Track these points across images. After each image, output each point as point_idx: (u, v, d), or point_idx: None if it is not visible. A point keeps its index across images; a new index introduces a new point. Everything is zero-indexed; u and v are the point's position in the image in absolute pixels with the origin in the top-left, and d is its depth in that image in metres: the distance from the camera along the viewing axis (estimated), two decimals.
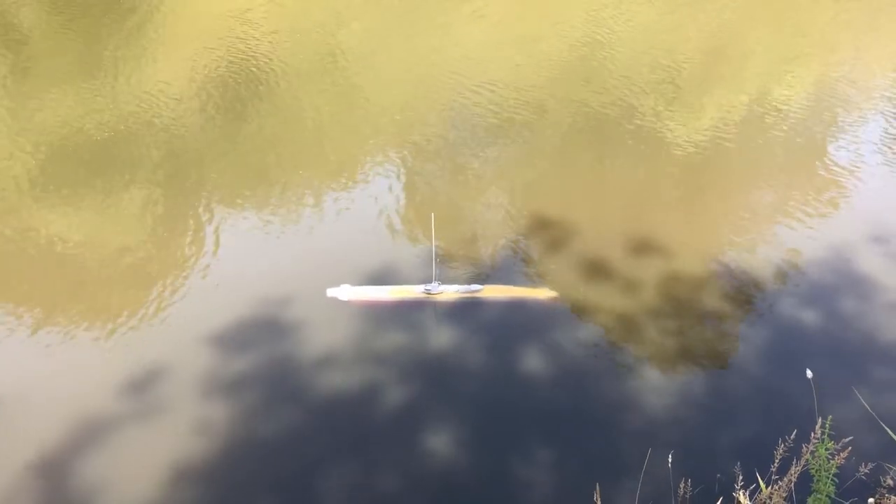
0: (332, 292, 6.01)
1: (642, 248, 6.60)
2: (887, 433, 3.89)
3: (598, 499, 3.74)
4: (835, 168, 8.01)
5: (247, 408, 5.13)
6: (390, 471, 4.78)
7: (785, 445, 3.76)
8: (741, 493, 3.68)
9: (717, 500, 3.71)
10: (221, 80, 9.27)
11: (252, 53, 9.88)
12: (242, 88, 9.10)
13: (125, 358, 5.47)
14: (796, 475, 3.71)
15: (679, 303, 6.06)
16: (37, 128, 8.19)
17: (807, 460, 3.73)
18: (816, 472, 3.80)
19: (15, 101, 8.77)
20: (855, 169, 7.99)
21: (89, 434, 4.91)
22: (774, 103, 9.24)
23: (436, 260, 6.00)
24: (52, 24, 10.80)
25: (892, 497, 3.97)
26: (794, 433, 3.86)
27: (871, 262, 6.55)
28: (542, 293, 6.08)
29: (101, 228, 6.84)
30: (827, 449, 3.81)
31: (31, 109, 8.56)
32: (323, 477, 4.72)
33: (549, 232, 6.77)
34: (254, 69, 9.50)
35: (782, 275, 6.41)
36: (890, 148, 8.49)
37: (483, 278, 6.22)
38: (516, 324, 5.86)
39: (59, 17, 10.92)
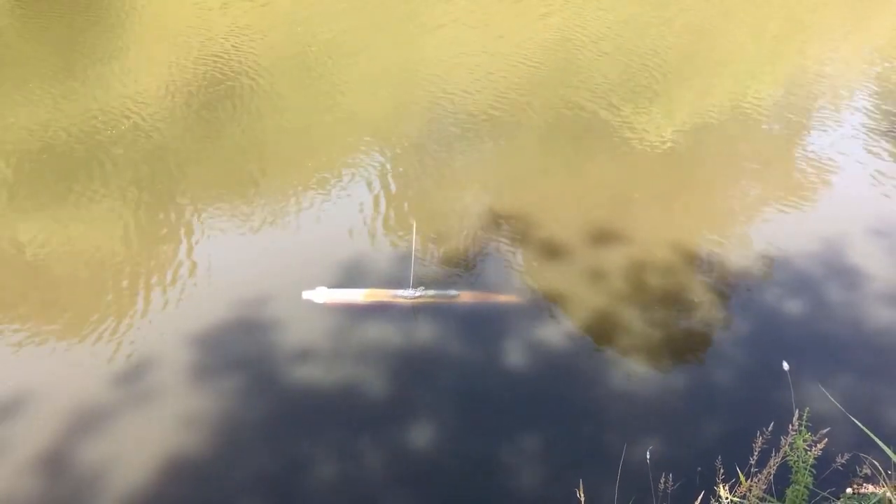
0: (307, 295, 5.96)
1: (622, 243, 6.65)
2: (862, 426, 3.93)
3: (581, 495, 3.73)
4: (813, 161, 8.14)
5: (225, 406, 5.10)
6: (367, 467, 4.77)
7: (763, 438, 3.79)
8: (721, 486, 3.71)
9: (699, 494, 3.72)
10: (199, 81, 9.17)
11: (230, 55, 9.79)
12: (220, 90, 9.01)
13: (103, 360, 5.42)
14: (775, 467, 3.73)
15: (657, 297, 6.11)
16: (8, 133, 8.03)
17: (785, 452, 3.76)
18: (795, 463, 3.84)
19: None
20: (833, 162, 8.12)
21: (75, 432, 4.89)
22: (753, 97, 9.36)
23: (414, 266, 5.97)
24: (24, 25, 10.61)
25: (869, 486, 4.02)
26: (772, 425, 3.89)
27: (849, 255, 6.66)
28: (518, 299, 6.07)
29: (78, 232, 6.73)
30: (804, 440, 3.85)
31: (3, 115, 8.39)
32: (304, 471, 4.72)
33: (528, 231, 6.78)
34: (232, 70, 9.41)
35: (760, 268, 6.48)
36: (868, 140, 8.63)
37: (462, 280, 6.20)
38: (494, 323, 5.85)
39: (31, 20, 10.73)
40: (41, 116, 8.29)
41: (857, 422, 3.62)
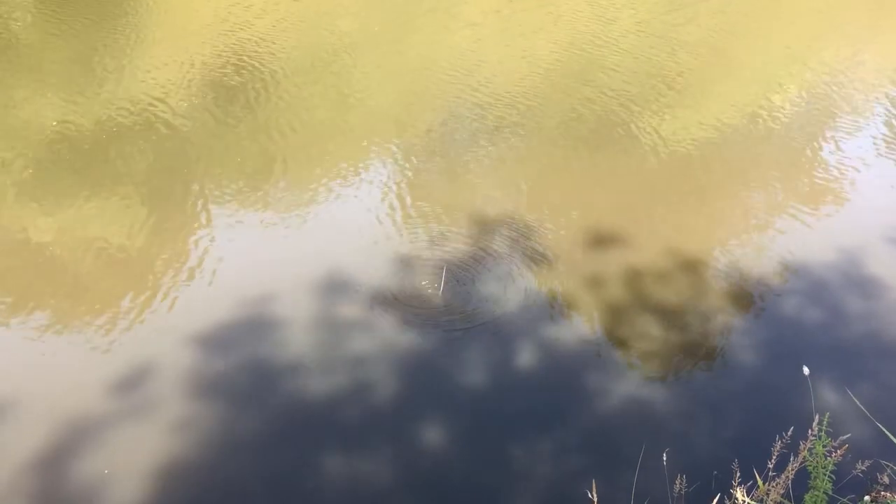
0: None
1: (639, 245, 6.58)
2: (885, 430, 3.88)
3: (595, 495, 3.70)
4: (833, 168, 8.04)
5: (236, 406, 5.07)
6: (381, 467, 4.73)
7: (782, 442, 3.74)
8: (738, 489, 3.66)
9: (715, 497, 3.68)
10: (218, 75, 9.19)
11: (247, 50, 9.81)
12: (236, 86, 9.02)
13: (113, 355, 5.39)
14: (793, 472, 3.69)
15: (675, 300, 6.05)
16: (27, 124, 8.08)
17: (804, 457, 3.71)
18: (814, 469, 3.79)
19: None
20: (853, 169, 8.01)
21: (74, 430, 4.83)
22: (772, 104, 9.27)
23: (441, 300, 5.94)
24: (40, 19, 10.69)
25: (889, 494, 3.96)
26: (791, 430, 3.84)
27: (869, 261, 6.57)
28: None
29: (90, 226, 6.74)
30: (824, 446, 3.80)
31: (18, 107, 8.45)
32: (312, 473, 4.68)
33: (542, 234, 6.73)
34: (249, 67, 9.42)
35: (780, 273, 6.41)
36: (888, 149, 8.51)
37: (475, 284, 6.13)
38: (509, 321, 5.80)
39: (52, 11, 10.81)
40: (60, 107, 8.33)
41: (880, 426, 3.56)
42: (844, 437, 3.75)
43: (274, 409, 5.08)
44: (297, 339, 5.59)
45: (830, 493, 3.77)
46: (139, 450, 4.73)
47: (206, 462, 4.70)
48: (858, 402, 4.41)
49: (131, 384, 5.18)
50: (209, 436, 4.85)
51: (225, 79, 9.11)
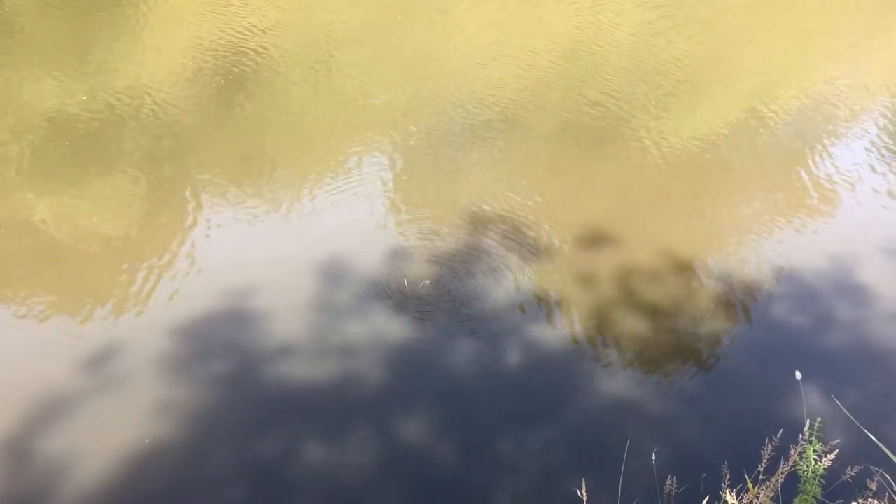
0: None
1: (632, 250, 6.57)
2: (872, 437, 3.89)
3: (584, 493, 3.70)
4: (828, 176, 8.03)
5: (216, 393, 5.07)
6: (363, 462, 4.73)
7: (772, 446, 3.74)
8: (728, 491, 3.66)
9: (704, 499, 3.68)
10: (218, 64, 9.13)
11: (245, 41, 9.74)
12: (234, 77, 8.97)
13: (96, 337, 5.40)
14: (783, 476, 3.69)
15: (667, 303, 6.04)
16: (19, 109, 8.02)
17: (794, 461, 3.72)
18: (803, 473, 3.79)
19: None
20: (849, 178, 8.00)
21: (52, 410, 4.84)
22: (773, 110, 9.24)
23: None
24: (40, 1, 10.60)
25: (877, 500, 3.96)
26: (781, 434, 3.85)
27: (861, 270, 6.57)
28: None
29: (80, 210, 6.70)
30: (814, 450, 3.80)
31: (15, 90, 8.39)
32: (291, 462, 4.70)
33: (535, 232, 6.71)
34: (246, 57, 9.37)
35: (773, 279, 6.40)
36: (881, 162, 8.51)
37: (464, 281, 6.12)
38: (497, 320, 5.78)
39: None
40: (53, 93, 8.26)
41: (869, 434, 3.57)
42: (835, 441, 3.76)
43: (258, 393, 5.10)
44: (283, 326, 5.58)
45: (820, 497, 3.77)
46: (119, 430, 4.75)
47: (186, 444, 4.72)
48: (843, 408, 4.42)
49: (113, 363, 5.19)
50: (190, 419, 4.86)
51: (226, 70, 9.04)
